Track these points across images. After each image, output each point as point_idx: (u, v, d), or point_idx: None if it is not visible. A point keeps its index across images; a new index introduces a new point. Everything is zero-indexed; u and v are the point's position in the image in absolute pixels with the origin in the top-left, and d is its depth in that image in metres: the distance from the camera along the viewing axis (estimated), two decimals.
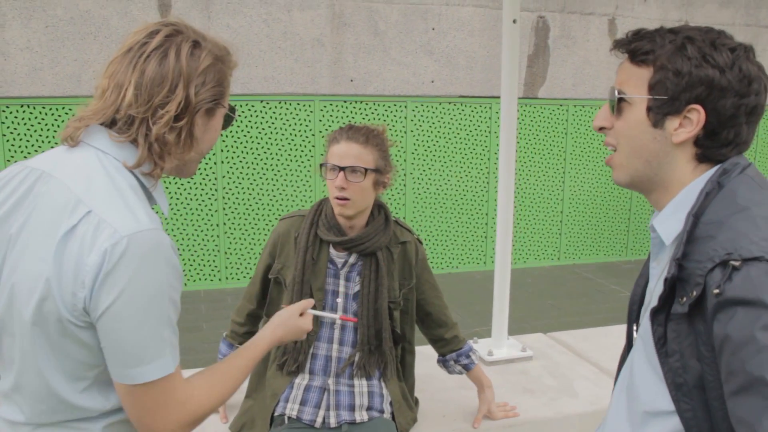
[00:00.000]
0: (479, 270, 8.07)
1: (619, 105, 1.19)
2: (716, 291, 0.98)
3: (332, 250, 2.16)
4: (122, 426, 1.27)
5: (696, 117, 1.10)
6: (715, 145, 1.11)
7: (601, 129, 1.25)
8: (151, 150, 1.19)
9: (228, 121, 1.37)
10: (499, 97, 7.63)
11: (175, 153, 1.22)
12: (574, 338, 3.29)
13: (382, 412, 2.15)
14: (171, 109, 1.17)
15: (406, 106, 7.34)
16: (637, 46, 1.16)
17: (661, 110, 1.13)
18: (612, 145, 1.24)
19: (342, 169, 2.01)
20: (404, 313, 2.29)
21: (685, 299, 1.05)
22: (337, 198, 2.03)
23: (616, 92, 1.19)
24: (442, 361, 2.45)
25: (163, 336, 1.14)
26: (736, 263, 0.96)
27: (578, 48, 7.95)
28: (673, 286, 1.09)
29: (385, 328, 2.17)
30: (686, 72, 1.09)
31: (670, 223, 1.15)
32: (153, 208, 1.25)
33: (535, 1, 7.57)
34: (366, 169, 2.02)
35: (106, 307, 1.08)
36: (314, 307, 1.69)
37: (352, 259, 2.15)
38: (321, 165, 2.09)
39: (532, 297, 7.16)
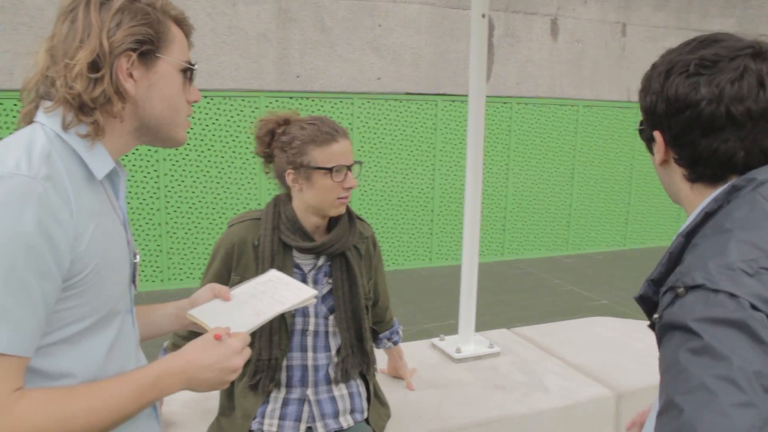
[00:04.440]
0: (424, 267, 8.10)
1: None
2: (656, 316, 1.01)
3: (296, 254, 2.03)
4: None
5: (658, 140, 1.14)
6: (689, 164, 1.11)
7: None
8: (74, 108, 1.07)
9: (189, 74, 1.23)
10: (444, 95, 7.73)
11: (107, 109, 1.09)
12: (537, 333, 3.32)
13: (362, 412, 2.11)
14: (81, 57, 1.05)
15: (352, 103, 7.29)
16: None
17: (644, 136, 1.20)
18: None
19: (349, 168, 1.95)
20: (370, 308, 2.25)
21: (652, 320, 1.07)
22: (342, 198, 1.94)
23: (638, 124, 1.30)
24: (376, 340, 2.43)
25: (4, 305, 0.93)
26: (680, 290, 0.96)
27: (522, 47, 8.08)
28: (649, 303, 1.13)
29: (365, 328, 2.12)
30: (641, 102, 1.17)
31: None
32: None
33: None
34: (360, 163, 2.01)
35: None
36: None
37: (319, 262, 2.04)
38: (329, 169, 1.91)
39: (479, 293, 7.20)
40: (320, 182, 1.92)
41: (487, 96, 8.00)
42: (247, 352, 1.24)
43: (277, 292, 1.55)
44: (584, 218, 9.09)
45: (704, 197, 1.11)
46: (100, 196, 1.12)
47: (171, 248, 6.76)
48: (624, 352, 3.03)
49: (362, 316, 2.09)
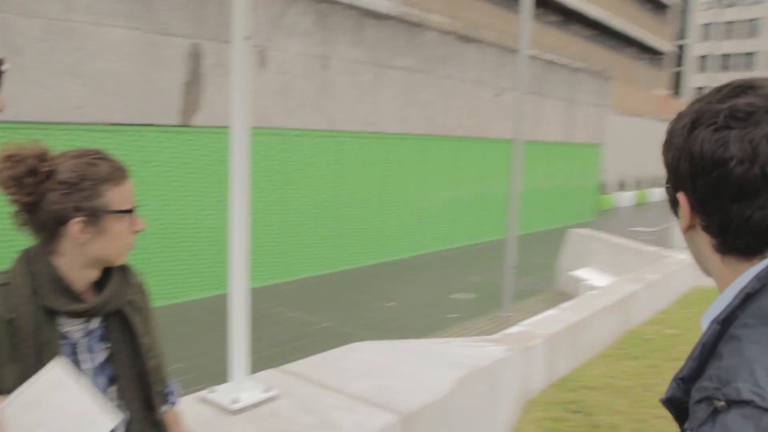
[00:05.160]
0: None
1: None
2: None
3: (61, 321, 1.63)
4: None
5: (683, 203, 0.95)
6: (717, 233, 0.91)
7: None
8: None
9: None
10: (153, 125, 7.31)
11: None
12: (306, 368, 3.30)
13: None
14: None
15: (47, 134, 6.51)
16: None
17: (669, 197, 1.01)
18: None
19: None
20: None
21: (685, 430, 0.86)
22: (130, 244, 1.67)
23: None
24: None
25: None
26: (720, 404, 0.76)
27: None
28: (680, 408, 0.90)
29: (154, 393, 1.87)
30: (663, 157, 0.99)
31: (703, 324, 0.92)
32: None
33: (190, 27, 7.42)
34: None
35: None
36: None
37: (91, 325, 1.69)
38: (128, 211, 1.62)
39: (205, 330, 6.94)
40: (114, 228, 1.60)
41: (199, 126, 7.79)
42: None
43: (69, 424, 1.29)
44: (298, 244, 9.33)
45: (739, 273, 0.90)
46: None
47: None
48: (392, 375, 3.17)
49: (149, 380, 1.83)
